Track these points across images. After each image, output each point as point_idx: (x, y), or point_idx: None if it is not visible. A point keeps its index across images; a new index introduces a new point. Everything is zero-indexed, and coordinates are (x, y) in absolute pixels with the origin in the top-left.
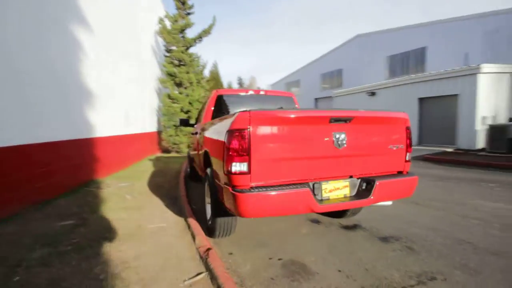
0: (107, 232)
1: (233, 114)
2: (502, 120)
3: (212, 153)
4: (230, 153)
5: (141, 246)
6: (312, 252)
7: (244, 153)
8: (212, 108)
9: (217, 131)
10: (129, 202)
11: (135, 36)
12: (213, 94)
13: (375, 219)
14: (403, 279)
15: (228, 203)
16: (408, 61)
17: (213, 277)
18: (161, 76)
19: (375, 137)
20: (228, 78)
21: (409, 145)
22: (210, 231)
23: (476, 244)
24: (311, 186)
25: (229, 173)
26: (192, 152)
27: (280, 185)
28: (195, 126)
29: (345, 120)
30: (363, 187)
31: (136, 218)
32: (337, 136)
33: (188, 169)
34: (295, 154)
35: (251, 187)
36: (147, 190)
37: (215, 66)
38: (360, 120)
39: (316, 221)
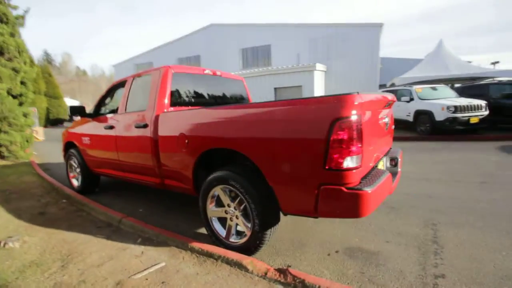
0: None
1: (333, 97)
2: None
3: (269, 149)
4: (343, 145)
5: None
6: (347, 235)
7: (359, 144)
8: (168, 90)
9: (291, 119)
10: (27, 254)
11: None
12: (165, 72)
13: None
14: (424, 230)
15: (331, 205)
16: (257, 55)
17: None
18: None
19: (391, 118)
20: (31, 51)
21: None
22: (245, 248)
23: (413, 194)
24: None
25: (338, 170)
26: (98, 155)
27: (368, 174)
28: (109, 117)
29: (389, 104)
30: (388, 164)
31: (90, 273)
32: (385, 119)
33: (79, 179)
34: (372, 139)
35: (360, 182)
36: (29, 225)
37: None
38: (392, 103)
39: None
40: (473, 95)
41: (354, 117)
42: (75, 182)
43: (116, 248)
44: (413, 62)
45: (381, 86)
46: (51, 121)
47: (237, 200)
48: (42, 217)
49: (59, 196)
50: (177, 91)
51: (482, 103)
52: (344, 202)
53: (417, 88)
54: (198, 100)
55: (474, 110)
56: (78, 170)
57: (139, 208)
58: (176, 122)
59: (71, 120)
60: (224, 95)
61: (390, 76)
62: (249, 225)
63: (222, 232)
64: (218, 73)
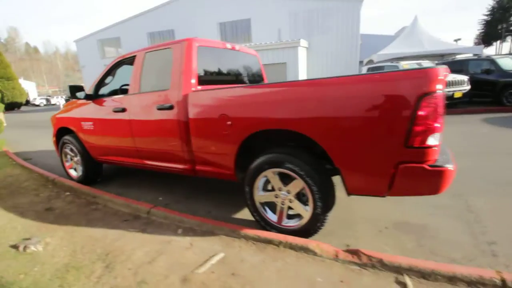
0: None
1: (417, 70)
2: None
3: (339, 129)
4: (429, 122)
5: None
6: (387, 210)
7: (441, 120)
8: (195, 66)
9: (369, 96)
10: (55, 257)
11: None
12: (189, 45)
13: None
14: (455, 201)
15: (409, 183)
16: (237, 30)
17: (426, 274)
18: None
19: None
20: None
21: None
22: (304, 231)
23: None
24: None
25: (422, 148)
26: (106, 141)
27: None
28: (117, 98)
29: None
30: None
31: (145, 271)
32: None
33: (79, 169)
34: None
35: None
36: (41, 224)
37: None
38: None
39: None
40: (453, 70)
41: (439, 92)
42: (73, 173)
43: (158, 241)
44: (385, 39)
45: (359, 62)
46: (7, 106)
47: (291, 183)
48: (51, 213)
49: (59, 188)
50: (202, 67)
51: (465, 78)
52: (426, 180)
53: (404, 64)
54: (222, 77)
55: (458, 85)
56: (77, 158)
57: (158, 197)
58: (213, 102)
59: (28, 103)
60: (244, 72)
61: (364, 53)
62: (308, 207)
63: (272, 217)
64: (237, 47)
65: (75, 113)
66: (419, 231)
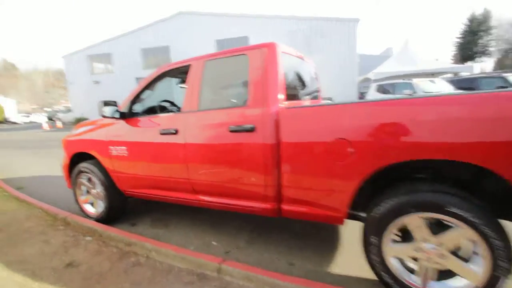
0: None
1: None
2: None
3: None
4: None
5: None
6: None
7: None
8: (281, 77)
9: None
10: None
11: None
12: (272, 50)
13: None
14: None
15: None
16: (235, 47)
17: None
18: None
19: None
20: None
21: None
22: None
23: None
24: None
25: None
26: (145, 171)
27: None
28: (162, 116)
29: None
30: None
31: None
32: None
33: (100, 204)
34: None
35: None
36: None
37: None
38: None
39: None
40: (462, 87)
41: None
42: (91, 209)
43: None
44: (373, 58)
45: None
46: None
47: (446, 234)
48: (75, 271)
49: (74, 230)
50: (286, 78)
51: None
52: None
53: (417, 81)
54: (300, 91)
55: None
56: (96, 191)
57: (209, 240)
58: (323, 123)
59: (6, 121)
60: (311, 83)
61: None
62: (477, 268)
63: (411, 278)
64: (303, 56)
65: (99, 135)
66: None
